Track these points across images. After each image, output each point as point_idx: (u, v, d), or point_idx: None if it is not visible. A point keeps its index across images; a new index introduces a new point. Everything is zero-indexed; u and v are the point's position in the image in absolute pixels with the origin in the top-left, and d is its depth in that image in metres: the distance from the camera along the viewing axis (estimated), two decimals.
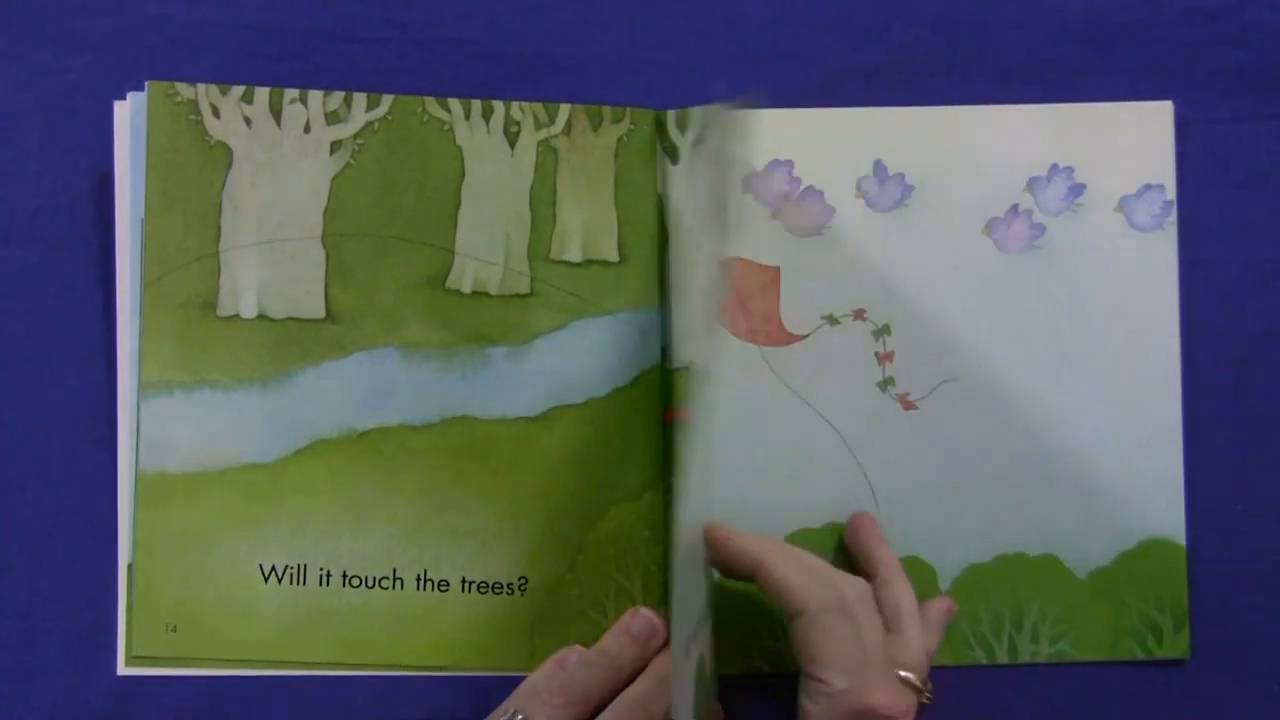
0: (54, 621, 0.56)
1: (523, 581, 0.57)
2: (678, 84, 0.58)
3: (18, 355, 0.57)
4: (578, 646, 0.56)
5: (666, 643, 0.55)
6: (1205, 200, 0.59)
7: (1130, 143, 0.59)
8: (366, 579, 0.56)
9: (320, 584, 0.56)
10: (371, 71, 0.58)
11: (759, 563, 0.52)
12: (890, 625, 0.54)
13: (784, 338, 0.58)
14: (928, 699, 0.53)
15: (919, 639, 0.53)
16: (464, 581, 0.57)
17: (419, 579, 0.56)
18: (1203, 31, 0.60)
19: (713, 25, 0.59)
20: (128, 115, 0.56)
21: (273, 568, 0.56)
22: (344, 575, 0.56)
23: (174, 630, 0.56)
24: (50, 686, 0.56)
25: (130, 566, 0.56)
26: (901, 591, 0.55)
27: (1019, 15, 0.59)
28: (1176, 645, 0.58)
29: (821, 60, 0.59)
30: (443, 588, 0.56)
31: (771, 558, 0.52)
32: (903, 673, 0.52)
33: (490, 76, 0.58)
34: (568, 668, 0.54)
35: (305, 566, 0.56)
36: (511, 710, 0.52)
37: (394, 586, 0.56)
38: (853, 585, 0.53)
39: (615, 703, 0.53)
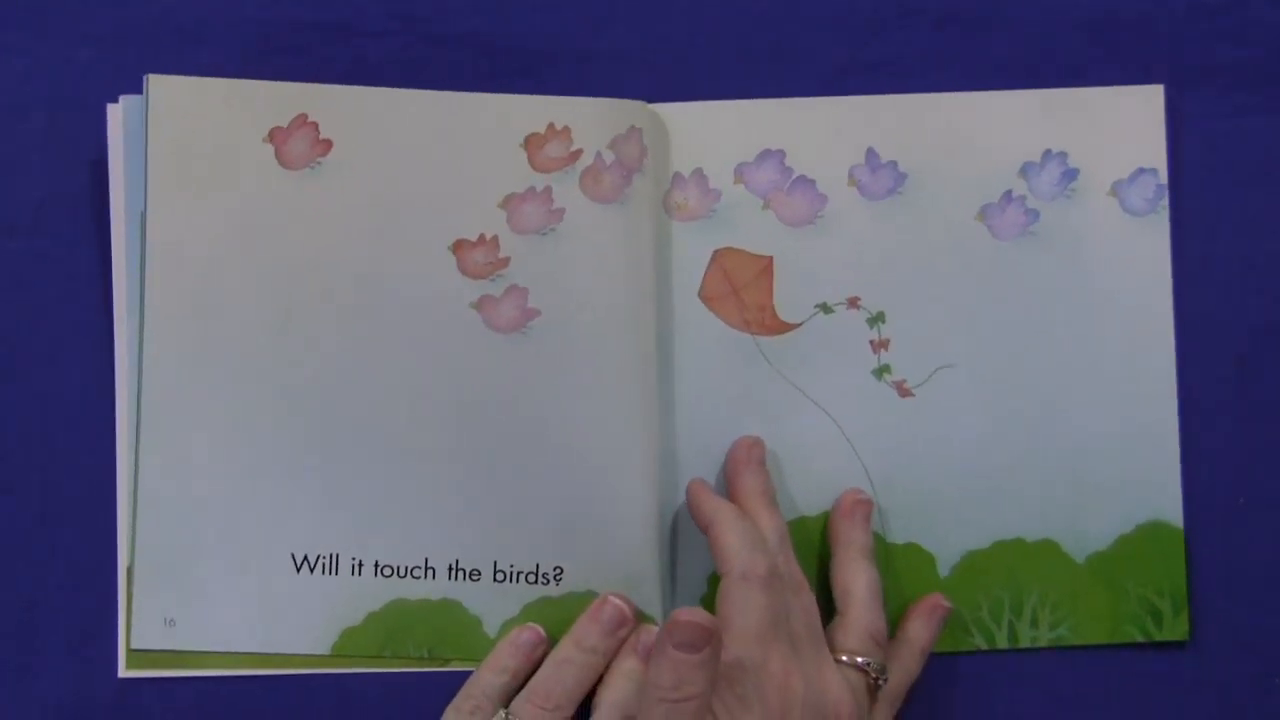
0: (55, 618, 0.56)
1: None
2: (681, 77, 0.58)
3: (18, 353, 0.56)
4: (537, 628, 0.55)
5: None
6: (1203, 193, 0.59)
7: (1122, 127, 0.58)
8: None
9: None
10: (375, 64, 0.58)
11: (711, 521, 0.53)
12: (838, 608, 0.54)
13: (778, 327, 0.58)
14: (874, 680, 0.52)
15: (862, 620, 0.53)
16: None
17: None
18: (1203, 26, 0.59)
19: (716, 19, 0.59)
20: (120, 117, 0.56)
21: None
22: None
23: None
24: (52, 683, 0.56)
25: (130, 569, 0.55)
26: (852, 575, 0.55)
27: (1019, 11, 0.59)
28: (1176, 628, 0.58)
29: (821, 55, 0.59)
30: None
31: (722, 521, 0.53)
32: (843, 656, 0.52)
33: (494, 70, 0.58)
34: (550, 668, 0.53)
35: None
36: (493, 707, 0.52)
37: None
38: (789, 565, 0.53)
39: (596, 715, 0.53)
